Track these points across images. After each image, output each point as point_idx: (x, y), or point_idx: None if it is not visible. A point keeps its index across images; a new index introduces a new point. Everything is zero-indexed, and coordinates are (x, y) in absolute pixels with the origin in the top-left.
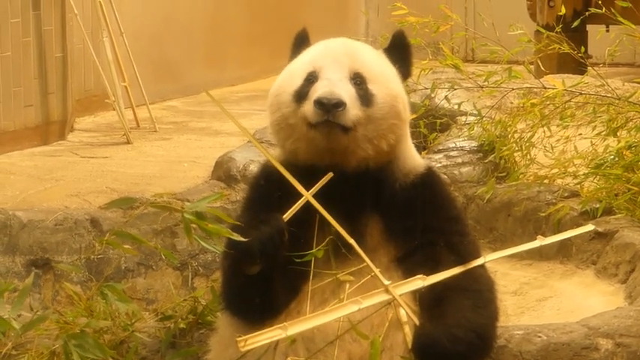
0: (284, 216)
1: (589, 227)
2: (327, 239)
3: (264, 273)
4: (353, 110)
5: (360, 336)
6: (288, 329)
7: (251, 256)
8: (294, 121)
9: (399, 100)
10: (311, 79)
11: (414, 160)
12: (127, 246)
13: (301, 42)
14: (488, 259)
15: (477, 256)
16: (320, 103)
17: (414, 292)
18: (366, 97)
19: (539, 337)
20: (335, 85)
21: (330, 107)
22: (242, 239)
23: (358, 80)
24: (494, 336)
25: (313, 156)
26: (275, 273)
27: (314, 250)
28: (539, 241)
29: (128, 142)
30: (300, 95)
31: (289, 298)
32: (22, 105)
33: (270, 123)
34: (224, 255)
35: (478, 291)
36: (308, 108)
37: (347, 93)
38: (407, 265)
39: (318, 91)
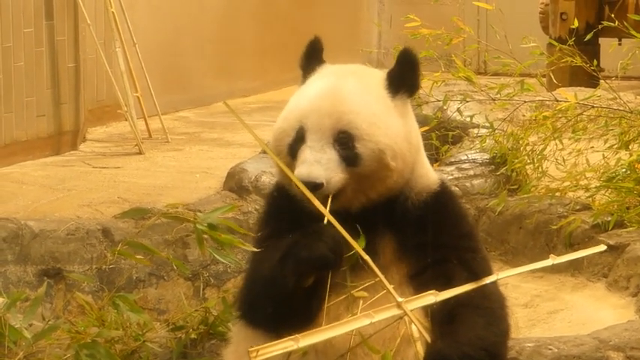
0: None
1: (601, 247)
2: (351, 252)
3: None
4: (334, 181)
5: (371, 350)
6: (300, 341)
7: (327, 266)
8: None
9: (387, 152)
10: (300, 136)
11: (427, 177)
12: (139, 256)
13: (313, 52)
14: (501, 276)
15: (489, 273)
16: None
17: (426, 308)
18: (350, 158)
19: (550, 349)
20: (313, 164)
21: (308, 189)
22: (254, 248)
23: (344, 140)
24: (505, 353)
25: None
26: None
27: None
28: (552, 260)
29: (140, 153)
30: (293, 151)
31: (317, 312)
32: (35, 115)
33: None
34: (269, 267)
35: (490, 308)
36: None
37: (327, 166)
38: (419, 282)
39: (297, 168)
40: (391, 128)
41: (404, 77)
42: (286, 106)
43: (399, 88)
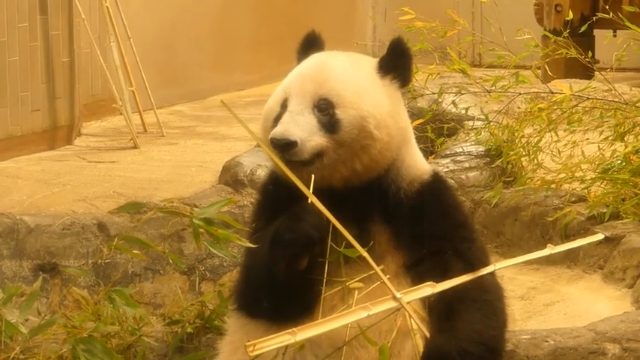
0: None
1: (599, 236)
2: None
3: (302, 270)
4: (310, 143)
5: (369, 342)
6: (297, 334)
7: (313, 244)
8: None
9: (369, 120)
10: (283, 105)
11: (417, 167)
12: (135, 251)
13: (310, 44)
14: (498, 267)
15: (486, 263)
16: (273, 143)
17: (424, 300)
18: (331, 124)
19: (547, 341)
20: (289, 123)
21: (281, 147)
22: (250, 244)
23: (324, 106)
24: (503, 347)
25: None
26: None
27: (347, 250)
28: (549, 250)
29: (135, 147)
30: (276, 123)
31: (314, 300)
32: (30, 110)
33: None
34: (260, 257)
35: (487, 301)
36: None
37: (303, 128)
38: (415, 272)
39: (273, 129)
40: (376, 100)
41: (394, 64)
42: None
43: (388, 71)
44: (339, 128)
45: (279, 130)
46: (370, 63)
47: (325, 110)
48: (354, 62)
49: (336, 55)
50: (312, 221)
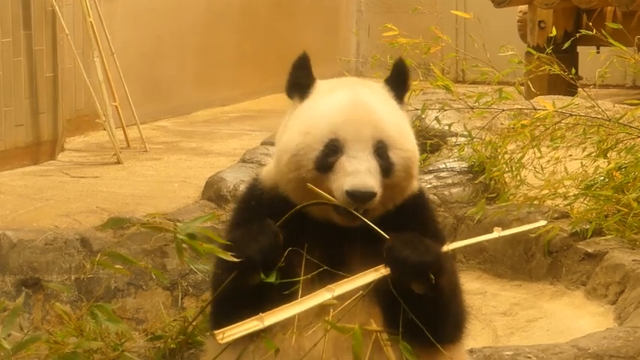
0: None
1: (542, 222)
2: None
3: (258, 288)
4: (380, 191)
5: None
6: (264, 320)
7: (255, 268)
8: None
9: (413, 160)
10: (334, 148)
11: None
12: (118, 266)
13: (304, 68)
14: (452, 247)
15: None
16: (353, 196)
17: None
18: (386, 168)
19: (529, 357)
20: (365, 173)
21: (363, 200)
22: (234, 259)
23: (381, 149)
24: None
25: (323, 218)
26: (266, 292)
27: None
28: (497, 233)
29: (118, 162)
30: (323, 165)
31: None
32: (13, 125)
33: (281, 176)
34: (217, 273)
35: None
36: (337, 192)
37: (375, 176)
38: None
39: (349, 179)
40: (411, 136)
41: (404, 86)
42: (296, 123)
43: (402, 97)
44: (392, 172)
45: (359, 182)
46: (383, 90)
47: (382, 154)
48: (378, 95)
49: (359, 88)
50: (263, 242)
